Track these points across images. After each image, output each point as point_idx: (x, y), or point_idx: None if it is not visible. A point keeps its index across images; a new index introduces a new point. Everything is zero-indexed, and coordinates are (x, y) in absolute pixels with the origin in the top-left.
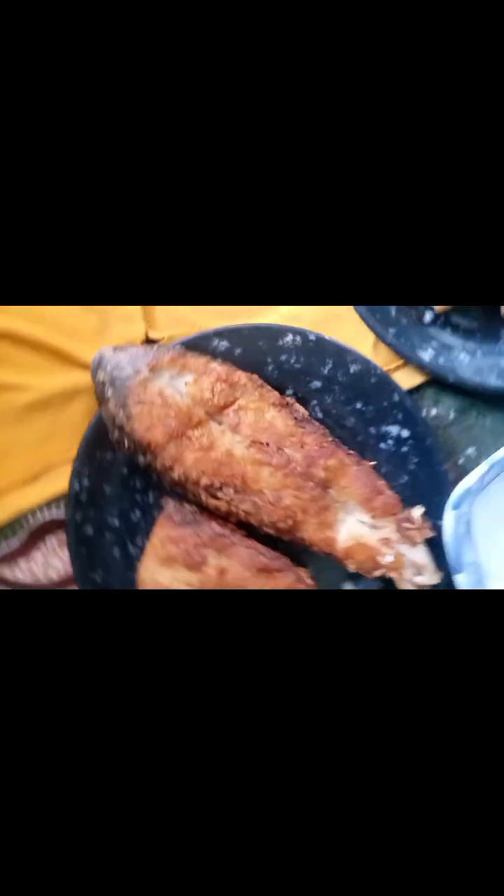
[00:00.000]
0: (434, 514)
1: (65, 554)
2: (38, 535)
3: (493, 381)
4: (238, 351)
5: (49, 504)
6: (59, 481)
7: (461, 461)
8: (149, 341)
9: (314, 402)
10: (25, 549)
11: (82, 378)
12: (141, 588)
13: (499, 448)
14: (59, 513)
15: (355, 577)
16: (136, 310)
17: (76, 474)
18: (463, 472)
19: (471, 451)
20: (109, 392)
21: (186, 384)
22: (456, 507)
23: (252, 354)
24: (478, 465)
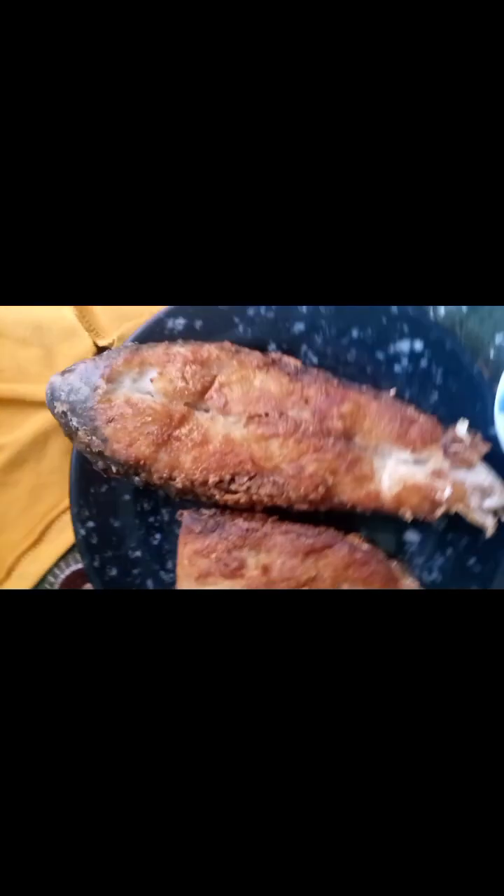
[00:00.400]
0: (482, 424)
1: None
2: None
3: None
4: (198, 323)
5: (65, 557)
6: (65, 531)
7: (492, 354)
8: (100, 350)
9: (304, 347)
10: None
11: (46, 417)
12: None
13: None
14: (77, 563)
15: (418, 524)
16: (74, 324)
17: (77, 519)
18: (499, 366)
19: (499, 339)
20: (75, 421)
21: (152, 381)
22: None
23: (214, 321)
24: None
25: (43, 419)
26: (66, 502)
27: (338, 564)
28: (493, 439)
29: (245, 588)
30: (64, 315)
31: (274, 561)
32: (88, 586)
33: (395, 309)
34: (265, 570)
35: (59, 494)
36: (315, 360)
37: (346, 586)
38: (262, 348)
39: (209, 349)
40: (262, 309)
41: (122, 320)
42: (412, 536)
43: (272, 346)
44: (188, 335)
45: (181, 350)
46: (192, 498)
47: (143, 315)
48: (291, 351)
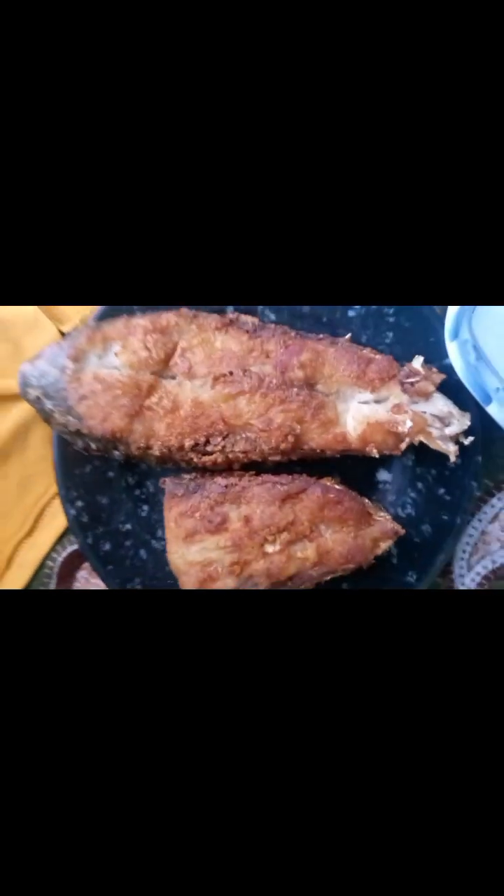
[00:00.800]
0: (437, 356)
1: (97, 579)
2: (66, 575)
3: None
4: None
5: (60, 541)
6: (57, 516)
7: None
8: (65, 336)
9: (260, 305)
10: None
11: (24, 409)
12: (180, 575)
13: None
14: (72, 545)
15: (386, 461)
16: (37, 315)
17: (66, 501)
18: None
19: None
20: (49, 405)
21: (116, 355)
22: (454, 336)
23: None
24: None
25: (21, 411)
26: (54, 488)
27: (313, 507)
28: (447, 369)
29: (231, 540)
30: (25, 309)
31: (254, 511)
32: (86, 565)
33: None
34: (247, 520)
35: (46, 482)
36: (272, 316)
37: (322, 527)
38: (220, 311)
39: (167, 317)
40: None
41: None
42: (384, 475)
43: (230, 309)
44: (147, 305)
45: (140, 321)
46: (172, 465)
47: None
48: (248, 311)
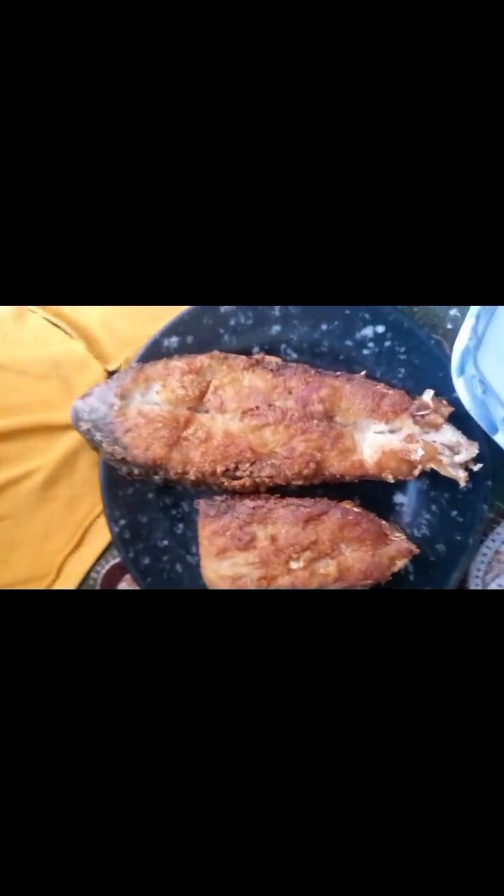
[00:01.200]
0: (446, 390)
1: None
2: (109, 586)
3: None
4: (189, 339)
5: (104, 555)
6: (102, 533)
7: (448, 325)
8: (110, 374)
9: (282, 346)
10: None
11: (73, 438)
12: (212, 588)
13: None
14: (115, 559)
15: (402, 485)
16: (85, 356)
17: (111, 519)
18: (455, 336)
19: (453, 311)
20: (98, 436)
21: (157, 393)
22: (461, 372)
23: (203, 335)
24: (463, 321)
25: (70, 440)
26: (99, 507)
27: (334, 528)
28: (455, 401)
29: (258, 557)
30: (75, 349)
31: (279, 531)
32: (127, 577)
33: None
34: (273, 539)
35: (92, 502)
36: (294, 355)
37: (342, 545)
38: (248, 352)
39: (201, 359)
40: (242, 318)
41: (124, 346)
42: (400, 498)
43: (255, 350)
44: (182, 350)
45: (178, 364)
46: (205, 488)
47: (141, 340)
48: (272, 351)
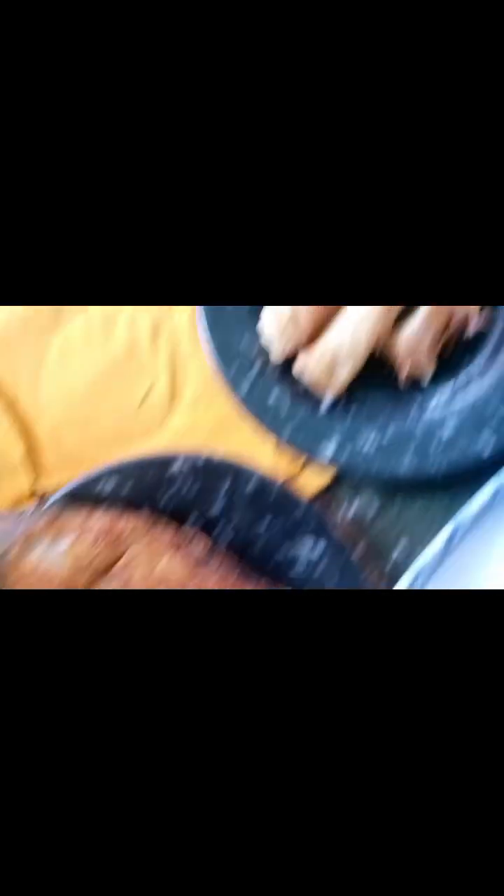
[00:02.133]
0: None
1: None
2: None
3: (405, 465)
4: (126, 489)
5: None
6: None
7: (395, 556)
8: (32, 495)
9: (220, 525)
10: None
11: None
12: None
13: (430, 537)
14: None
15: None
16: (18, 464)
17: None
18: (398, 573)
19: (404, 542)
20: None
21: (65, 551)
22: None
23: (142, 490)
24: (410, 560)
25: None
26: None
27: None
28: None
29: None
30: (11, 452)
31: None
32: None
33: (304, 505)
34: None
35: None
36: (231, 535)
37: None
38: (182, 521)
39: (126, 522)
40: (185, 487)
41: (65, 464)
42: None
43: (191, 520)
44: (114, 499)
45: (98, 522)
46: None
47: (84, 462)
48: (208, 528)
